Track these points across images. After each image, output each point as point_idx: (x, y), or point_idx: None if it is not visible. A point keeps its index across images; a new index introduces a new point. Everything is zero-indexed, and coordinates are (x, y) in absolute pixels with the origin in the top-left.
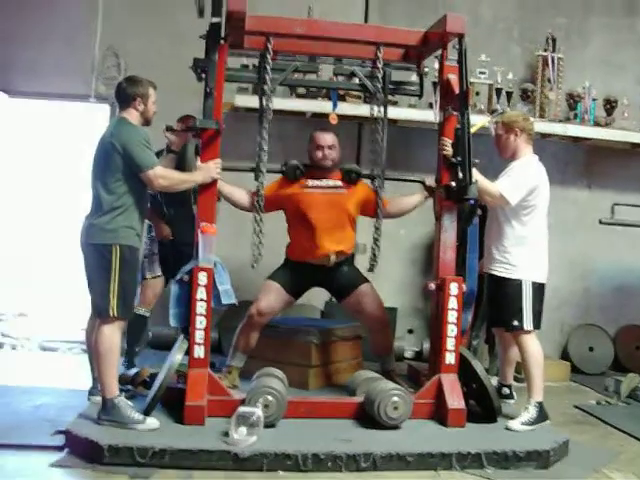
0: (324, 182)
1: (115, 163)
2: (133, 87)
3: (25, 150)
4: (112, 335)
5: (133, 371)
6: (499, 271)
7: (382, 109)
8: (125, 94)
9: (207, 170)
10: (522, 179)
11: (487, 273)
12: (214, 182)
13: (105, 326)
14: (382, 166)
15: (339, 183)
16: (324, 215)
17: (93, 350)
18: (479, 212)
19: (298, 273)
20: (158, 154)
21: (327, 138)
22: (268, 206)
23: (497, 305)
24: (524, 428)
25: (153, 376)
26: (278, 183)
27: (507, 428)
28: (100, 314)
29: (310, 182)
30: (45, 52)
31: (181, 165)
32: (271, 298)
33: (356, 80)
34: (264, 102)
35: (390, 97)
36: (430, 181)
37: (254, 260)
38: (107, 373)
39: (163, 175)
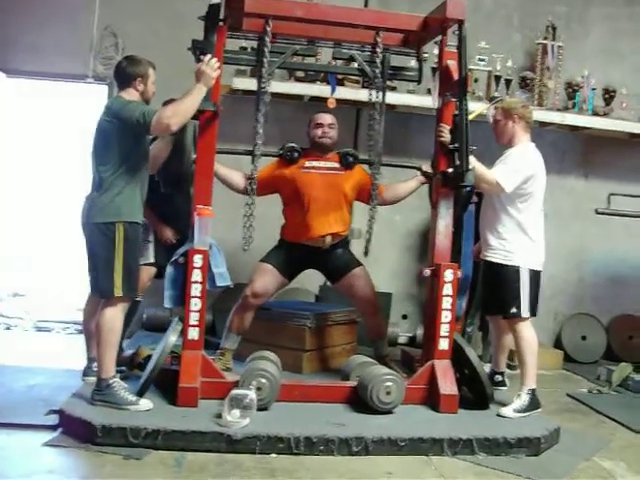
0: (322, 163)
1: (113, 138)
2: (133, 67)
3: (23, 130)
4: (115, 316)
5: (130, 352)
6: (496, 258)
7: (380, 94)
8: (125, 74)
9: (205, 75)
10: (518, 166)
11: (483, 260)
12: (211, 164)
13: (108, 307)
14: (379, 151)
15: (336, 165)
16: (321, 194)
17: (95, 330)
18: (475, 199)
19: (292, 254)
20: (153, 139)
21: (326, 117)
22: (263, 189)
23: (494, 292)
24: (516, 415)
25: (149, 357)
26: (275, 165)
27: (499, 415)
28: (104, 295)
29: (307, 163)
30: (43, 32)
31: (179, 150)
32: (266, 279)
33: (355, 65)
34: (262, 85)
35: (389, 82)
36: (426, 167)
37: (245, 243)
38: (106, 353)
39: (169, 114)
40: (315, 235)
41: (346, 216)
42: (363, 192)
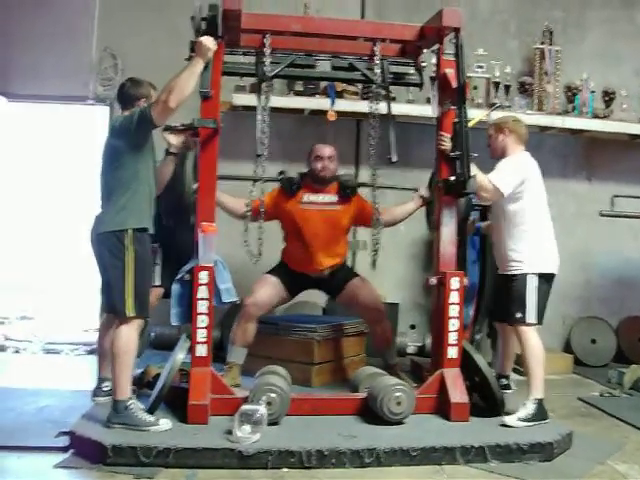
0: (320, 197)
1: (117, 149)
2: (136, 88)
3: (25, 154)
4: (130, 336)
5: (139, 371)
6: (508, 270)
7: (379, 104)
8: (128, 95)
9: (203, 46)
10: (512, 169)
11: (497, 274)
12: (214, 181)
13: (123, 326)
14: (376, 161)
15: (334, 198)
16: (319, 231)
17: (110, 351)
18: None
19: (293, 277)
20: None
21: (326, 150)
22: (265, 216)
23: (501, 299)
24: (520, 424)
25: (158, 376)
26: (275, 195)
27: (503, 424)
28: (117, 314)
29: (306, 197)
30: (42, 54)
31: (179, 179)
32: (267, 290)
33: (355, 74)
34: (262, 98)
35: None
36: (424, 190)
37: (253, 258)
38: (122, 375)
39: (166, 97)
40: (315, 269)
41: (344, 246)
42: (362, 219)
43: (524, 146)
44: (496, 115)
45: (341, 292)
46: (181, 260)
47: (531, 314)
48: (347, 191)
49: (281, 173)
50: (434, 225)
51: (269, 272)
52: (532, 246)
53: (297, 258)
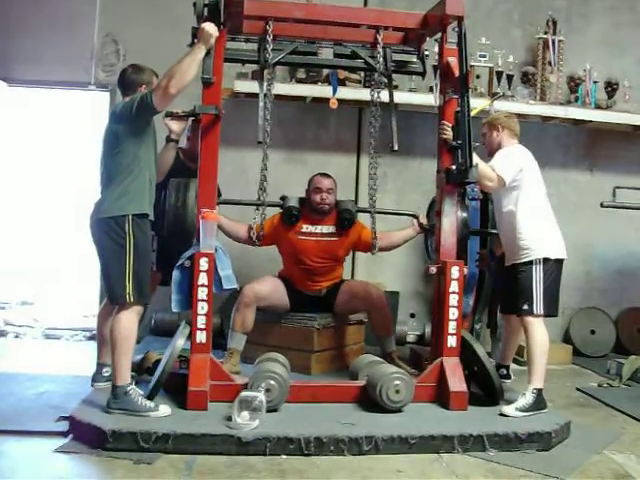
0: (318, 229)
1: (118, 135)
2: (138, 74)
3: (26, 139)
4: (129, 322)
5: (139, 357)
6: (514, 259)
7: (381, 92)
8: (130, 81)
9: (205, 32)
10: (509, 157)
11: (505, 266)
12: (215, 167)
13: (122, 312)
14: (375, 151)
15: (332, 229)
16: (316, 261)
17: (109, 336)
18: (480, 195)
19: (293, 291)
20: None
21: (325, 182)
22: (264, 241)
23: (508, 291)
24: (518, 414)
25: (157, 362)
26: (274, 223)
27: (502, 414)
28: (116, 300)
29: (305, 227)
30: (44, 40)
31: (184, 205)
32: (269, 284)
33: (358, 62)
34: (264, 85)
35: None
36: (422, 218)
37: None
38: (121, 361)
39: (166, 83)
40: (311, 289)
41: (340, 270)
42: (360, 246)
43: (518, 140)
44: (498, 104)
45: (336, 300)
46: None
47: (539, 305)
48: (345, 223)
49: (283, 198)
50: (434, 255)
51: (280, 276)
52: (535, 233)
53: (294, 278)
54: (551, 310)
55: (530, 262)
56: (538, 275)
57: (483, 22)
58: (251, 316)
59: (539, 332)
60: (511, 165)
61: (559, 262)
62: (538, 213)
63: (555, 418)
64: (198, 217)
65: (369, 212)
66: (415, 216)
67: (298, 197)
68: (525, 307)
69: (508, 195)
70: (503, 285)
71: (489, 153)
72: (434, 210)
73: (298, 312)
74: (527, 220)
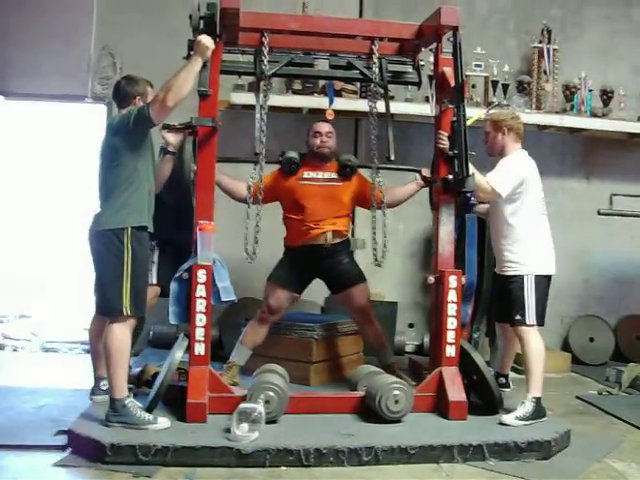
0: (320, 174)
1: (116, 148)
2: (132, 86)
3: (23, 152)
4: (123, 334)
5: (137, 370)
6: (504, 270)
7: (377, 103)
8: (124, 93)
9: (201, 44)
10: (510, 170)
11: (497, 274)
12: (212, 179)
13: (116, 325)
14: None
15: (334, 175)
16: (319, 206)
17: (103, 350)
18: (475, 201)
19: (297, 262)
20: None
21: (324, 126)
22: (265, 197)
23: (501, 300)
24: (518, 423)
25: (156, 375)
26: (274, 175)
27: (501, 423)
28: (111, 313)
29: (306, 174)
30: (41, 53)
31: (180, 165)
32: (279, 296)
33: (354, 72)
34: (260, 96)
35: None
36: (426, 171)
37: (248, 258)
38: (117, 373)
39: (164, 96)
40: (316, 233)
41: (346, 219)
42: (363, 198)
43: (521, 142)
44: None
45: (342, 291)
46: (178, 259)
47: (531, 315)
48: (347, 170)
49: (282, 154)
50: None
51: (272, 277)
52: (528, 248)
53: (298, 230)
54: (541, 320)
55: (521, 276)
56: (529, 285)
57: (478, 32)
58: (264, 333)
59: (534, 341)
60: (511, 178)
61: (547, 277)
62: (533, 228)
63: (555, 426)
64: (195, 229)
65: (371, 167)
66: (418, 170)
67: (297, 152)
68: (518, 317)
69: (505, 206)
70: (497, 294)
71: (490, 153)
72: (437, 166)
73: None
74: (521, 235)
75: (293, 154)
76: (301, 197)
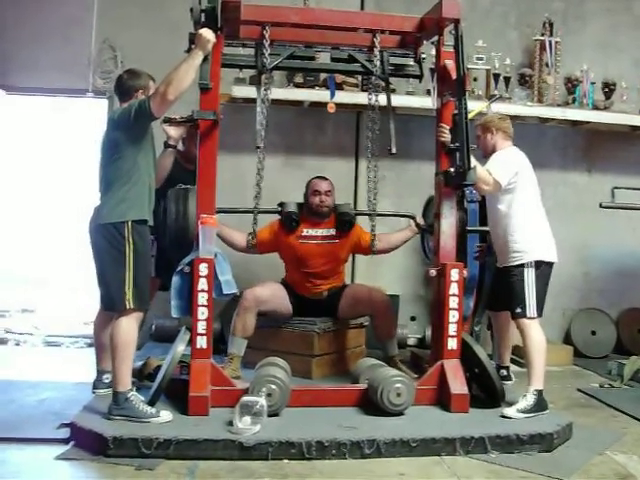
0: (319, 231)
1: (116, 142)
2: (134, 79)
3: (24, 147)
4: (129, 328)
5: (139, 363)
6: (508, 262)
7: (379, 96)
8: (126, 86)
9: (202, 38)
10: (504, 161)
11: (498, 267)
12: (214, 172)
13: (122, 318)
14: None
15: (333, 232)
16: (318, 264)
17: (109, 343)
18: (478, 197)
19: (296, 296)
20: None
21: (323, 185)
22: (264, 249)
23: (500, 290)
24: (520, 416)
25: (158, 368)
26: (274, 229)
27: (503, 415)
28: (115, 307)
29: (305, 231)
30: (42, 47)
31: (184, 215)
32: (270, 289)
33: (355, 64)
34: (261, 90)
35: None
36: (419, 219)
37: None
38: (122, 367)
39: (164, 89)
40: (314, 291)
41: (342, 273)
42: (360, 248)
43: (511, 141)
44: (496, 106)
45: (339, 304)
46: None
47: (531, 308)
48: (345, 225)
49: (281, 205)
50: (431, 254)
51: (282, 282)
52: (529, 235)
53: (296, 282)
54: (540, 311)
55: (522, 265)
56: (530, 278)
57: (480, 24)
58: (252, 321)
59: (535, 333)
60: (507, 169)
61: (550, 265)
62: (531, 216)
63: (557, 419)
64: (197, 222)
65: (367, 214)
66: (412, 217)
67: (296, 202)
68: (518, 310)
69: (502, 198)
70: (493, 283)
71: (484, 155)
72: (430, 210)
73: (300, 317)
74: (520, 223)
75: (292, 208)
76: (301, 256)
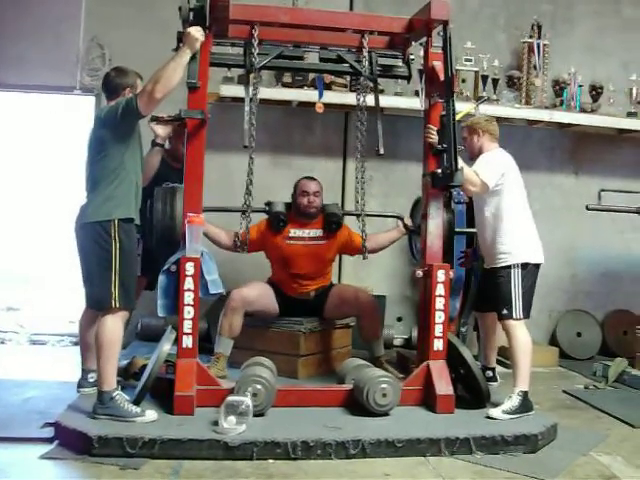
0: (306, 232)
1: (103, 140)
2: (121, 77)
3: (12, 143)
4: (114, 326)
5: (125, 362)
6: (495, 263)
7: (367, 96)
8: (113, 84)
9: (190, 36)
10: (490, 162)
11: (485, 269)
12: (201, 171)
13: (108, 317)
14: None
15: (320, 232)
16: (305, 264)
17: (95, 342)
18: (465, 199)
19: (282, 297)
20: None
21: (312, 185)
22: (251, 248)
23: (487, 291)
24: (505, 417)
25: (144, 367)
26: (261, 228)
27: (488, 416)
28: (100, 306)
29: (292, 232)
30: (29, 45)
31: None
32: (257, 289)
33: (344, 65)
34: (250, 89)
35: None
36: (407, 219)
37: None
38: (107, 366)
39: (152, 87)
40: (301, 291)
41: (329, 273)
42: (347, 249)
43: (497, 142)
44: (483, 108)
45: (325, 305)
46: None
47: (518, 309)
48: (332, 226)
49: (268, 204)
50: (419, 255)
51: (269, 281)
52: (516, 237)
53: (283, 282)
54: (527, 313)
55: (509, 266)
56: (517, 280)
57: (468, 26)
58: (239, 321)
59: (521, 334)
60: (494, 170)
61: (537, 267)
62: (518, 218)
63: (542, 420)
64: (184, 221)
65: (355, 215)
66: (400, 218)
67: (283, 202)
68: (505, 312)
69: (489, 199)
70: (480, 285)
71: (470, 157)
72: (417, 211)
73: (286, 317)
74: (507, 225)
75: (280, 208)
76: (288, 257)
